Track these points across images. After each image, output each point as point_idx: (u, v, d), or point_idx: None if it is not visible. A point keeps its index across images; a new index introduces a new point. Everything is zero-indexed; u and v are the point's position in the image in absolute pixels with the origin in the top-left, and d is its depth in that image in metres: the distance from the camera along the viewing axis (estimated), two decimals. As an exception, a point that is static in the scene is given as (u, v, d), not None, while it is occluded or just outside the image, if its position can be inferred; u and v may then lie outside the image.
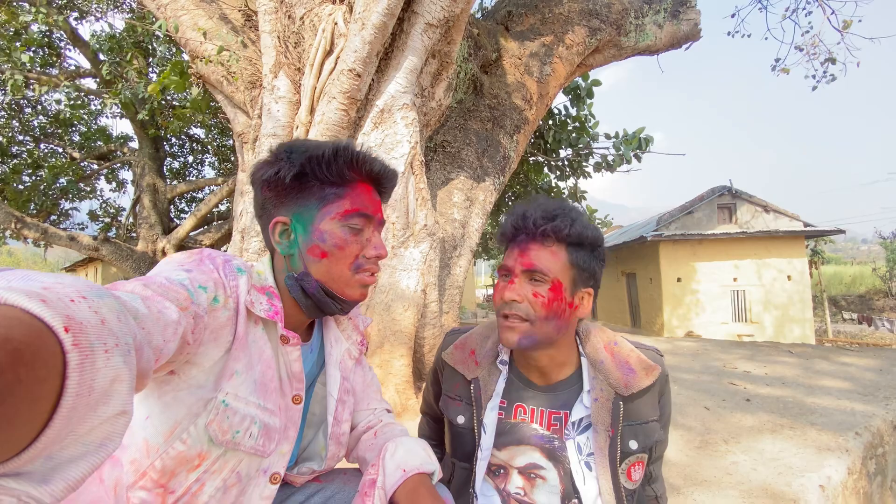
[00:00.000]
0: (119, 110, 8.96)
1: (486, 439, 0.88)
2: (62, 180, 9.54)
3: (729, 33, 9.14)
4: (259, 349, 0.74)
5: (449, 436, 0.96)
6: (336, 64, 2.88)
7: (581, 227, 0.82)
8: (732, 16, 8.87)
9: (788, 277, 12.19)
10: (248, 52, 3.84)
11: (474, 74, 3.68)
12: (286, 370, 0.78)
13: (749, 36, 8.49)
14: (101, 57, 8.65)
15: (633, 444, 0.84)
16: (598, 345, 0.91)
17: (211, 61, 3.76)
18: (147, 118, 8.14)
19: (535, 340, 0.83)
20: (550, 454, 0.87)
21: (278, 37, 3.17)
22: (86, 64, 9.24)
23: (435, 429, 1.12)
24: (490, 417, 0.89)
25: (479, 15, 5.08)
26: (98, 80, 9.05)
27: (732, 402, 2.45)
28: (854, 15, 7.31)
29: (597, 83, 7.54)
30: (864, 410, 2.24)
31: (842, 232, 12.06)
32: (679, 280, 12.08)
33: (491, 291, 23.91)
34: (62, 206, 10.40)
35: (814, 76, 8.20)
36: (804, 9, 8.04)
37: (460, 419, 0.92)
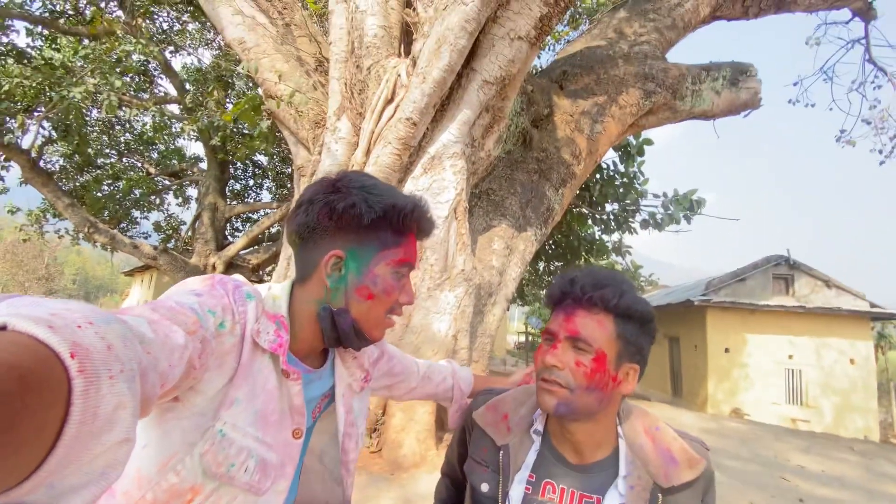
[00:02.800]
0: (195, 134, 9.78)
1: None
2: (136, 192, 10.41)
3: (790, 101, 8.95)
4: (263, 378, 0.72)
5: (470, 503, 0.92)
6: (395, 112, 3.05)
7: (631, 300, 0.80)
8: (795, 84, 8.71)
9: (851, 361, 11.15)
10: (317, 95, 4.14)
11: (525, 128, 3.77)
12: (288, 403, 0.76)
13: (813, 105, 8.28)
14: (187, 87, 9.58)
15: None
16: (638, 427, 0.86)
17: (283, 100, 4.07)
18: (219, 144, 8.84)
19: (573, 409, 0.80)
20: None
21: (345, 83, 3.41)
22: (172, 91, 10.24)
23: (453, 494, 1.08)
24: (517, 491, 0.85)
25: (535, 72, 5.26)
26: (181, 106, 9.98)
27: (783, 501, 2.22)
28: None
29: (648, 142, 7.51)
30: (943, 533, 1.96)
31: (916, 317, 11.00)
32: (727, 350, 11.31)
33: (523, 339, 23.30)
34: (133, 215, 11.29)
35: (880, 151, 7.83)
36: (872, 82, 7.80)
37: (484, 487, 0.88)
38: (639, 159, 7.55)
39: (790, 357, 11.41)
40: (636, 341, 0.80)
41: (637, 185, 7.96)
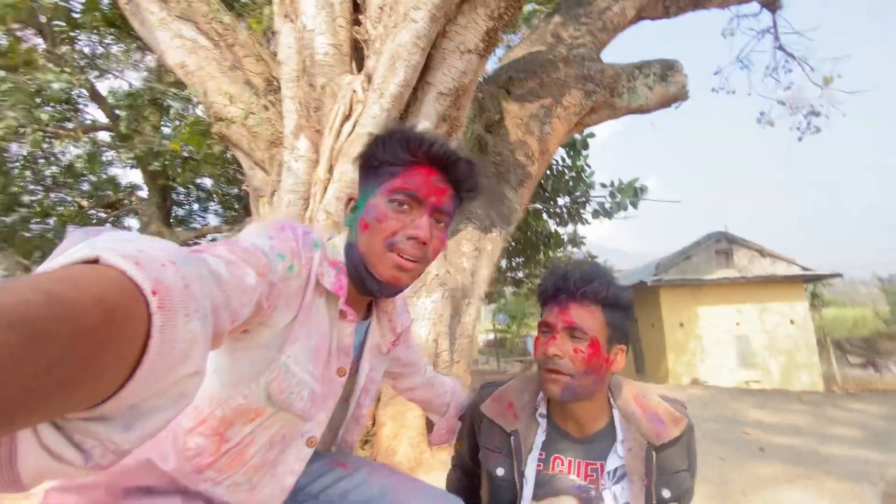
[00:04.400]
0: (131, 162, 9.27)
1: (528, 490, 0.94)
2: (70, 228, 9.72)
3: (714, 89, 9.70)
4: (319, 320, 0.78)
5: (488, 488, 1.01)
6: (354, 127, 3.10)
7: (616, 290, 0.93)
8: (716, 73, 9.46)
9: (791, 322, 12.19)
10: (270, 114, 4.10)
11: (479, 134, 3.92)
12: (337, 343, 0.82)
13: (734, 92, 9.00)
14: (118, 112, 9.09)
15: (667, 493, 0.90)
16: (628, 397, 0.99)
17: (234, 122, 4.01)
18: (159, 169, 8.44)
19: (576, 393, 0.91)
20: (587, 502, 0.93)
21: (300, 102, 3.42)
22: (101, 118, 9.67)
23: (466, 484, 1.16)
24: (531, 469, 0.95)
25: (482, 79, 5.45)
26: (113, 133, 9.45)
27: (747, 452, 2.46)
28: (834, 72, 7.80)
29: (591, 136, 7.93)
30: (879, 459, 2.26)
31: (839, 276, 12.20)
32: (682, 325, 12.05)
33: (492, 336, 23.63)
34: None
35: (798, 128, 8.64)
36: (783, 67, 8.62)
37: (500, 471, 0.98)
38: (584, 153, 7.97)
39: (738, 324, 12.31)
40: (622, 325, 0.93)
41: (585, 178, 8.39)
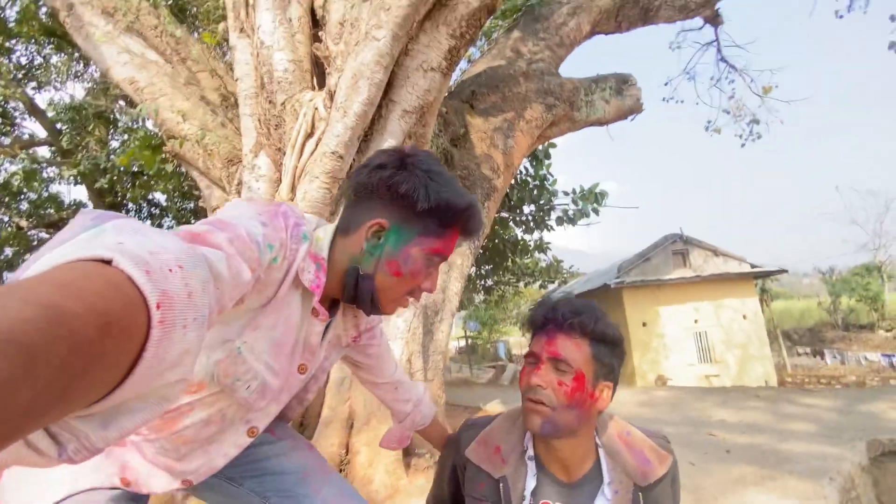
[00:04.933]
0: (76, 178, 8.73)
1: None
2: (7, 251, 9.04)
3: (664, 99, 10.19)
4: (289, 313, 0.77)
5: None
6: (317, 146, 3.03)
7: (604, 325, 0.92)
8: (665, 84, 9.94)
9: (744, 317, 12.86)
10: (226, 132, 3.96)
11: (445, 149, 3.93)
12: (304, 340, 0.81)
13: (682, 102, 9.47)
14: (60, 126, 8.54)
15: None
16: (613, 435, 0.98)
17: (189, 140, 3.84)
18: (106, 186, 7.97)
19: (557, 427, 0.89)
20: None
21: (259, 119, 3.31)
22: (41, 132, 9.08)
23: None
24: (521, 516, 0.93)
25: (446, 94, 5.49)
26: (55, 149, 8.87)
27: (715, 455, 2.55)
28: (772, 82, 8.35)
29: (552, 146, 8.12)
30: (834, 454, 2.39)
31: (785, 271, 13.01)
32: (644, 325, 12.48)
33: (462, 343, 23.67)
34: (6, 279, 9.77)
35: (741, 135, 9.19)
36: (727, 78, 9.17)
37: None
38: (546, 162, 8.16)
39: (696, 321, 12.88)
40: (609, 362, 0.92)
41: (548, 186, 8.58)
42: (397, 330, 2.89)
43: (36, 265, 0.34)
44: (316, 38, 3.41)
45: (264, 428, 0.86)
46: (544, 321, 0.94)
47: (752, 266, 12.95)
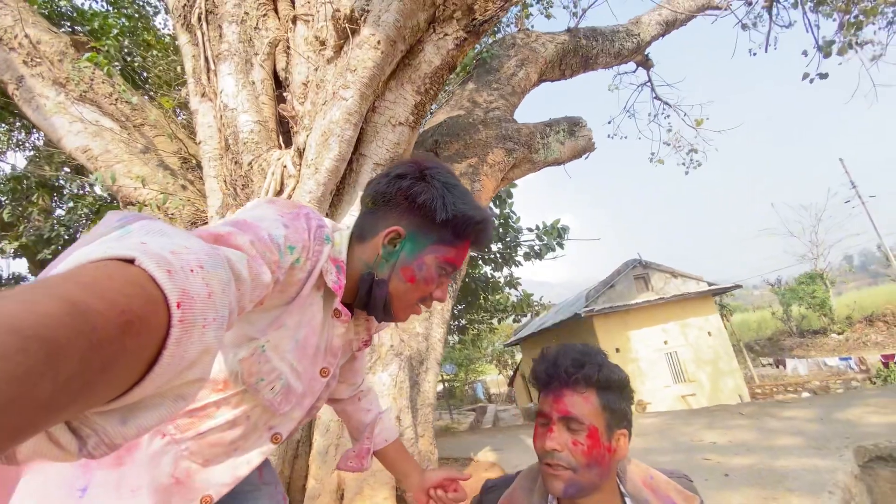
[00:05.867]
0: (16, 252, 8.17)
1: None
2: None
3: (609, 136, 10.89)
4: (312, 314, 0.77)
5: None
6: (287, 202, 3.00)
7: (608, 371, 0.91)
8: (608, 122, 10.67)
9: (709, 334, 13.32)
10: (188, 194, 3.86)
11: (415, 196, 3.99)
12: (326, 342, 0.82)
13: (626, 137, 10.15)
14: (0, 198, 8.04)
15: None
16: (636, 482, 0.96)
17: (147, 205, 3.71)
18: (50, 257, 7.48)
19: (580, 488, 0.87)
20: None
21: (224, 181, 3.26)
22: (-24, 206, 8.50)
23: None
24: (551, 578, 0.88)
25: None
26: (-9, 222, 8.31)
27: (715, 481, 2.54)
28: (703, 114, 9.13)
29: (513, 185, 8.45)
30: (826, 466, 2.44)
31: (739, 286, 13.72)
32: (617, 350, 12.66)
33: (440, 388, 23.03)
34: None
35: (683, 163, 9.89)
36: (663, 113, 9.96)
37: None
38: (509, 201, 8.44)
39: (665, 342, 13.20)
40: (620, 408, 0.91)
41: (512, 224, 8.83)
42: (383, 386, 2.79)
43: (62, 264, 0.35)
44: (280, 99, 3.46)
45: (287, 435, 0.85)
46: (548, 378, 0.93)
47: (710, 284, 13.58)
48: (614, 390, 0.92)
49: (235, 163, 3.25)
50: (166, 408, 0.38)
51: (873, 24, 5.61)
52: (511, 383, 20.37)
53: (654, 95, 9.62)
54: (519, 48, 5.81)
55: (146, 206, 3.71)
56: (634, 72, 9.61)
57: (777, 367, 16.64)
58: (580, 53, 6.48)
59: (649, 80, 9.42)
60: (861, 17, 5.34)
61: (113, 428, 0.34)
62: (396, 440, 1.15)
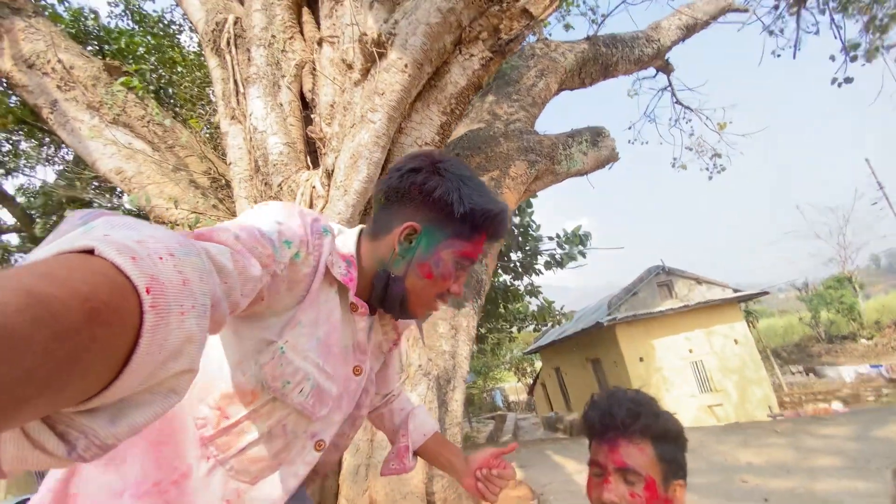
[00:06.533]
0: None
1: None
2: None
3: (630, 141, 10.76)
4: (329, 310, 0.76)
5: None
6: (316, 223, 3.05)
7: (665, 421, 0.91)
8: (629, 128, 10.55)
9: (735, 341, 12.98)
10: (219, 213, 3.96)
11: (439, 212, 4.01)
12: (352, 338, 0.80)
13: (647, 143, 10.03)
14: (31, 213, 8.36)
15: None
16: None
17: (179, 225, 3.81)
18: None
19: None
20: None
21: (254, 202, 3.33)
22: (8, 219, 8.88)
23: None
24: None
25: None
26: (25, 235, 8.65)
27: (754, 506, 2.47)
28: (726, 118, 8.94)
29: (533, 195, 8.42)
30: (867, 489, 2.35)
31: (766, 293, 13.36)
32: (641, 360, 12.43)
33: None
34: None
35: (707, 168, 9.71)
36: (684, 118, 9.82)
37: None
38: (529, 210, 8.40)
39: (690, 351, 12.91)
40: (675, 458, 0.91)
41: (532, 233, 8.78)
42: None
43: (23, 262, 0.34)
44: (307, 120, 3.53)
45: (331, 440, 0.84)
46: (603, 428, 0.93)
47: (735, 290, 13.26)
48: (670, 441, 0.91)
49: (265, 184, 3.32)
50: (158, 404, 0.37)
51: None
52: (531, 392, 20.16)
53: (674, 100, 9.47)
54: (538, 59, 5.81)
55: (178, 225, 3.82)
56: (654, 77, 9.49)
57: (806, 375, 16.10)
58: (600, 61, 6.44)
59: (670, 85, 9.29)
60: (887, 20, 5.20)
61: (102, 429, 0.33)
62: (436, 433, 1.10)
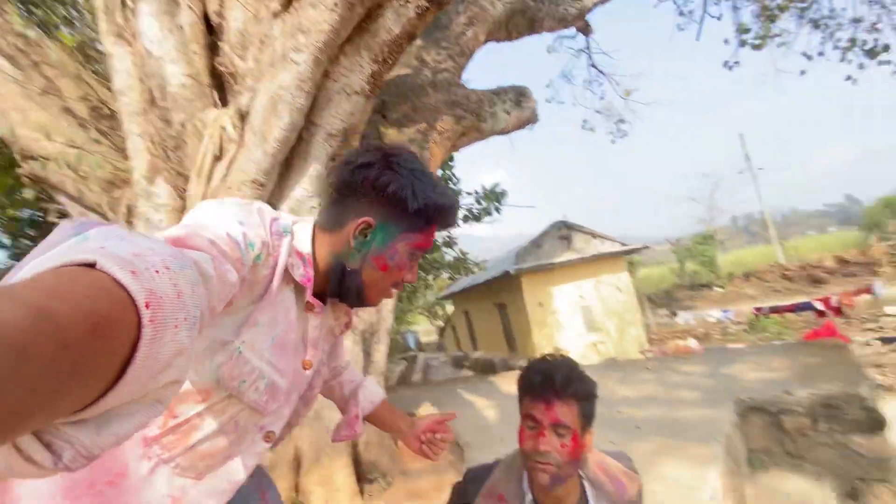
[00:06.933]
0: None
1: None
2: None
3: (547, 100, 11.10)
4: (286, 309, 0.77)
5: None
6: (228, 171, 2.79)
7: (589, 385, 1.07)
8: (547, 86, 10.85)
9: (618, 289, 14.77)
10: (101, 149, 3.41)
11: (363, 163, 3.88)
12: (304, 335, 0.83)
13: (563, 103, 10.42)
14: None
15: None
16: (593, 467, 1.15)
17: (51, 160, 3.24)
18: None
19: (562, 480, 1.04)
20: None
21: (152, 140, 2.93)
22: None
23: None
24: (528, 554, 1.06)
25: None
26: None
27: (628, 432, 2.99)
28: (633, 85, 9.55)
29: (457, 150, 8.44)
30: (715, 416, 2.97)
31: (647, 247, 15.22)
32: (541, 304, 13.66)
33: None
34: None
35: (612, 133, 10.45)
36: (597, 81, 10.32)
37: None
38: (450, 164, 8.44)
39: (581, 297, 14.45)
40: (591, 412, 1.08)
41: (453, 187, 8.90)
42: (337, 359, 2.84)
43: (18, 274, 0.34)
44: (212, 49, 3.09)
45: (279, 431, 0.86)
46: (542, 389, 1.06)
47: (623, 245, 14.90)
48: (590, 400, 1.08)
49: (164, 121, 2.92)
50: (144, 413, 0.37)
51: (782, 18, 6.19)
52: (441, 334, 21.28)
53: (590, 62, 9.85)
54: (468, 4, 5.61)
55: (50, 160, 3.24)
56: (574, 37, 9.73)
57: (672, 317, 19.05)
58: (527, 14, 6.41)
59: (587, 47, 9.61)
60: (777, 11, 5.85)
61: (89, 438, 0.33)
62: (384, 401, 1.17)
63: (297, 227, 0.82)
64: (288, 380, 0.81)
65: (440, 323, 21.53)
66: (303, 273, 0.78)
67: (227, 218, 0.65)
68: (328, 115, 2.80)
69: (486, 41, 6.26)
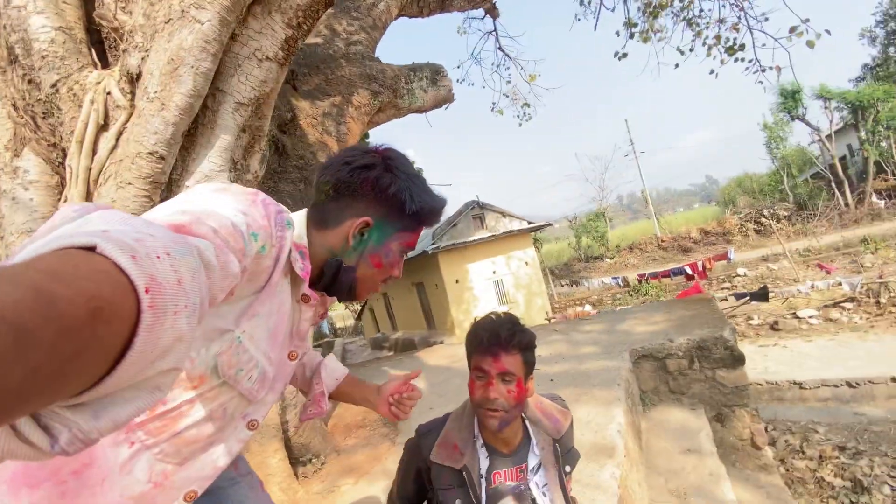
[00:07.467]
0: None
1: None
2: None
3: (458, 81, 11.25)
4: (281, 301, 0.79)
5: None
6: (118, 142, 2.48)
7: (529, 336, 1.18)
8: (458, 67, 10.98)
9: (526, 263, 15.81)
10: (-61, 113, 2.79)
11: (276, 136, 3.66)
12: (295, 326, 0.86)
13: (472, 84, 10.65)
14: None
15: (568, 468, 1.25)
16: (532, 408, 1.29)
17: None
18: None
19: (508, 423, 1.16)
20: (519, 496, 1.21)
21: (14, 105, 2.48)
22: None
23: None
24: (482, 491, 1.17)
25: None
26: None
27: (545, 385, 3.30)
28: (536, 70, 10.02)
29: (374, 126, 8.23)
30: (614, 365, 3.40)
31: (551, 224, 16.40)
32: (457, 281, 14.12)
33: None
34: None
35: (518, 116, 10.93)
36: (504, 65, 10.68)
37: (458, 502, 1.16)
38: (367, 142, 8.23)
39: (494, 272, 15.21)
40: (533, 360, 1.21)
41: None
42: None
43: (21, 255, 0.34)
44: (88, 1, 2.66)
45: (262, 420, 0.88)
46: (489, 343, 1.17)
47: (529, 223, 15.89)
48: (531, 349, 1.20)
49: (30, 82, 2.47)
50: (142, 399, 0.37)
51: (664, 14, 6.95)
52: (359, 317, 20.99)
53: (497, 45, 10.15)
54: (378, -24, 5.46)
55: None
56: (482, 18, 9.92)
57: (571, 286, 20.90)
58: (438, -8, 6.41)
59: (495, 30, 9.87)
60: (657, 8, 6.53)
61: (87, 422, 0.33)
62: (347, 376, 1.20)
63: (296, 220, 0.82)
64: (276, 369, 0.82)
65: (356, 307, 21.20)
66: (302, 266, 0.79)
67: (230, 207, 0.64)
68: (237, 82, 2.59)
69: (399, 15, 6.15)
